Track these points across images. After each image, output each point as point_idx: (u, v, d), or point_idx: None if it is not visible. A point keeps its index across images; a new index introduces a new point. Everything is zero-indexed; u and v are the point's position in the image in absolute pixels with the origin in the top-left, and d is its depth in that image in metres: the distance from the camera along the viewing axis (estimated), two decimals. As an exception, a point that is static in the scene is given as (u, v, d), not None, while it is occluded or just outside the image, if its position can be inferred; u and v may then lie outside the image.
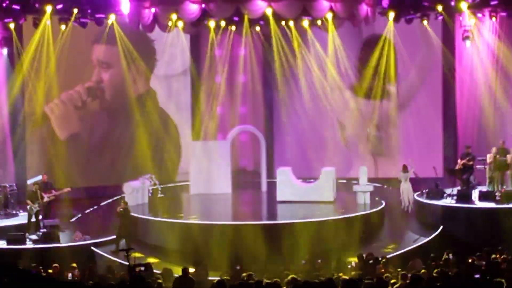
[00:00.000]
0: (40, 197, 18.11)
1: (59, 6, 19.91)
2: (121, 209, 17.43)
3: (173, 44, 23.96)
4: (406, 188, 19.97)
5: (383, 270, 13.00)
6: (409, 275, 11.43)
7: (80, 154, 23.13)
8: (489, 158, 19.41)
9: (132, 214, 18.18)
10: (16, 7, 19.96)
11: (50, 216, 18.62)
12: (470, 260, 13.62)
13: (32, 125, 22.21)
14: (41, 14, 20.00)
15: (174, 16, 19.54)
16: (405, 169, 20.20)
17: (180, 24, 20.37)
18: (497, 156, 19.35)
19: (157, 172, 22.08)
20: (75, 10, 19.89)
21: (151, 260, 16.52)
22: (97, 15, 20.54)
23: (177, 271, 13.37)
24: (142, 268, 12.27)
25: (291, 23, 21.10)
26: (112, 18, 20.53)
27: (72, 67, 22.24)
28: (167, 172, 23.85)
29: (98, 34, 22.00)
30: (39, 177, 19.96)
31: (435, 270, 12.26)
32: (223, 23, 21.30)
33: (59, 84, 22.39)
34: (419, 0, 20.39)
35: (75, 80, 23.02)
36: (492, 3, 20.07)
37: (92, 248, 17.23)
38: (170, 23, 20.12)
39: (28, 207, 18.06)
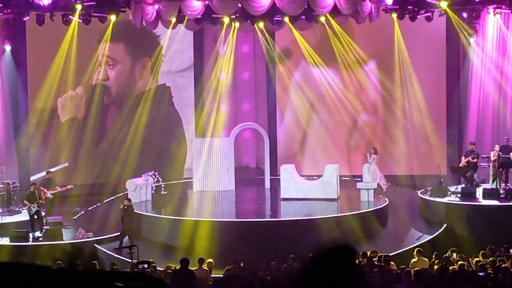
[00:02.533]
0: (39, 197, 18.08)
1: (63, 2, 19.96)
2: (125, 206, 17.42)
3: (176, 41, 23.96)
4: (377, 169, 20.23)
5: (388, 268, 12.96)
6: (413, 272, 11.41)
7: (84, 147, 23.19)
8: (492, 155, 19.36)
9: (136, 211, 18.17)
10: (20, 3, 19.99)
11: (53, 213, 18.64)
12: (474, 258, 13.60)
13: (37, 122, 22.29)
14: (45, 10, 20.04)
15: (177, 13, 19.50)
16: (375, 151, 20.50)
17: (184, 20, 20.35)
18: (501, 153, 19.29)
19: (163, 169, 22.09)
20: (79, 7, 19.97)
21: (154, 257, 16.50)
22: (101, 13, 20.64)
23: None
24: (145, 265, 12.27)
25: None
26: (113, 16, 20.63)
27: (79, 64, 22.26)
28: (173, 169, 23.85)
29: (102, 32, 21.98)
30: (43, 174, 19.99)
31: (439, 268, 12.23)
32: (226, 20, 21.22)
33: (64, 81, 22.46)
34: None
35: (81, 77, 23.00)
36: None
37: (95, 245, 17.23)
38: (173, 20, 20.13)
39: (26, 207, 18.06)
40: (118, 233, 17.45)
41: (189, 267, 12.30)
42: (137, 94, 24.00)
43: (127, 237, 17.19)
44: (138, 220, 18.30)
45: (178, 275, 11.90)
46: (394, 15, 20.90)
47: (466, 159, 19.75)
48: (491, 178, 19.43)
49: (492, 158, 19.38)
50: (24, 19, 20.66)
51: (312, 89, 24.20)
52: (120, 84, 23.87)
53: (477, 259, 13.55)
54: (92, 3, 20.28)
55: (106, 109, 23.82)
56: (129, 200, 17.86)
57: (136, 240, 17.25)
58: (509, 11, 20.58)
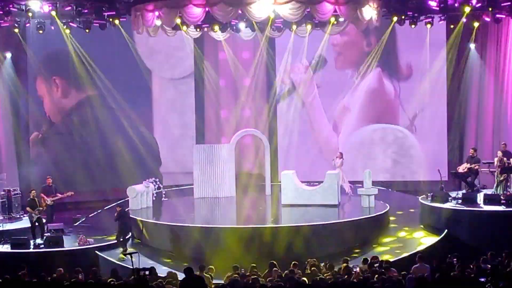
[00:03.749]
0: (39, 203, 18.10)
1: (67, 8, 20.04)
2: (117, 214, 17.59)
3: (177, 48, 24.00)
4: (341, 172, 20.52)
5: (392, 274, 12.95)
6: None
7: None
8: (496, 161, 19.34)
9: (137, 218, 18.20)
10: (21, 10, 20.05)
11: (53, 220, 18.63)
12: (475, 264, 13.58)
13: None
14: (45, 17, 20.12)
15: (178, 20, 19.48)
16: (341, 155, 20.84)
17: (184, 27, 20.33)
18: (505, 159, 19.26)
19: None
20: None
21: (155, 263, 16.49)
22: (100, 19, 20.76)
23: (182, 275, 13.32)
24: (147, 272, 12.28)
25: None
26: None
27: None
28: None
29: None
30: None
31: (440, 274, 12.22)
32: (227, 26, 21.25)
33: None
34: (423, 3, 20.41)
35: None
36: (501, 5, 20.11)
37: (96, 252, 17.22)
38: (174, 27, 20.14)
39: (27, 214, 18.07)
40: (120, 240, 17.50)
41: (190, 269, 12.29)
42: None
43: (127, 244, 17.22)
44: (136, 225, 18.34)
45: (187, 283, 11.80)
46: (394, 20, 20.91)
47: (468, 165, 19.69)
48: (496, 184, 19.39)
49: (496, 164, 19.35)
50: (27, 25, 20.77)
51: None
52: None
53: (478, 264, 13.53)
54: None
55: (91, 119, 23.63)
56: (120, 206, 18.02)
57: (137, 246, 17.30)
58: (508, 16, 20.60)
